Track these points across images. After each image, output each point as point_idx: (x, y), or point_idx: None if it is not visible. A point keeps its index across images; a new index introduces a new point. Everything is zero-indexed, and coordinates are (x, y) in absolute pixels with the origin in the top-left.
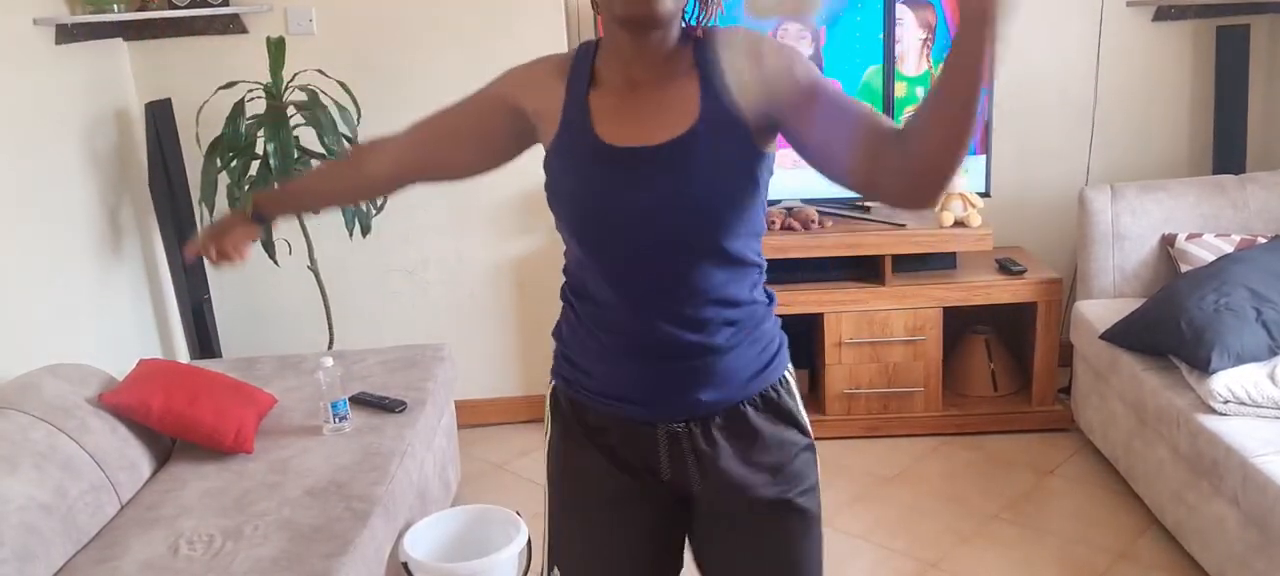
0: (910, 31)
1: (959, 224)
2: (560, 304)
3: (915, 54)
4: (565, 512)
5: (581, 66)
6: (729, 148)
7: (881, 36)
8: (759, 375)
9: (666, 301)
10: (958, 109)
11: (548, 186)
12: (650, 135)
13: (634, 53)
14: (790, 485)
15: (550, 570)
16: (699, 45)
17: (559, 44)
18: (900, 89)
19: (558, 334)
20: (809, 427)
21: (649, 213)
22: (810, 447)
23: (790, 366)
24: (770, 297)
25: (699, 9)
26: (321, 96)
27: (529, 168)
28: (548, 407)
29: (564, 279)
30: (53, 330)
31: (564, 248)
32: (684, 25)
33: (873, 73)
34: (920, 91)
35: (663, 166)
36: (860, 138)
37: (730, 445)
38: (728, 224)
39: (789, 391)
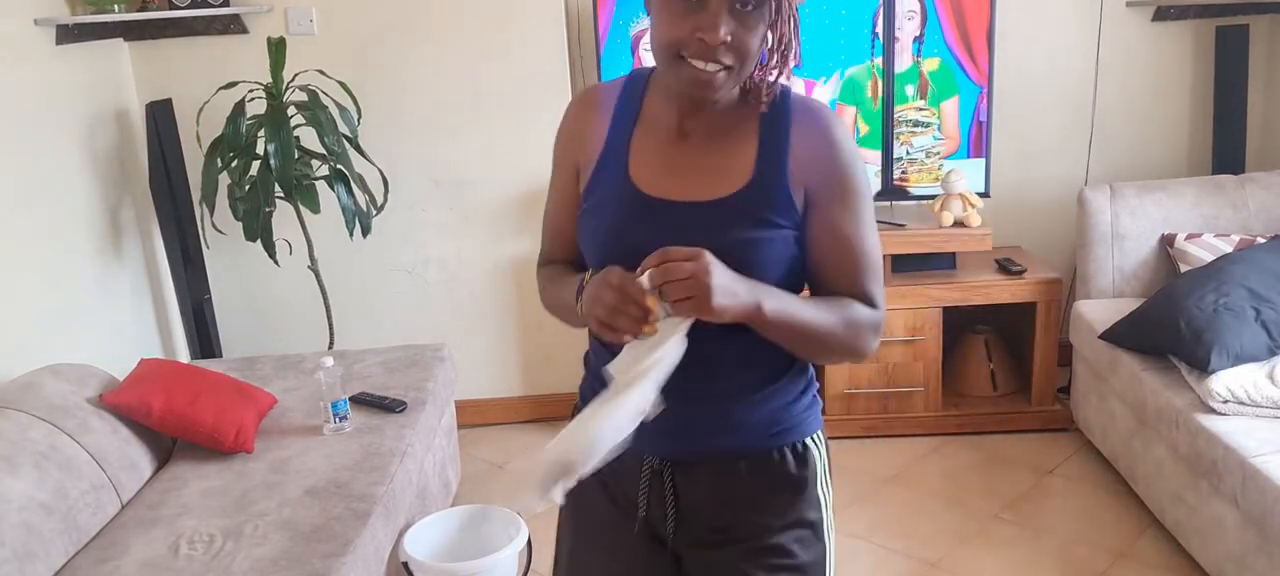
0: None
1: (958, 224)
2: None
3: (902, 50)
4: (564, 529)
5: (630, 100)
6: (774, 216)
7: (870, 32)
8: (765, 433)
9: None
10: (800, 348)
11: (579, 218)
12: (691, 190)
13: (692, 107)
14: (772, 561)
15: None
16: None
17: (558, 46)
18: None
19: (586, 354)
20: (820, 506)
21: None
22: (813, 529)
23: (817, 436)
24: (793, 358)
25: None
26: (322, 96)
27: (529, 166)
28: None
29: None
30: (53, 330)
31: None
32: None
33: (856, 72)
34: (910, 89)
35: (700, 226)
36: (833, 288)
37: (714, 498)
38: None
39: (801, 459)
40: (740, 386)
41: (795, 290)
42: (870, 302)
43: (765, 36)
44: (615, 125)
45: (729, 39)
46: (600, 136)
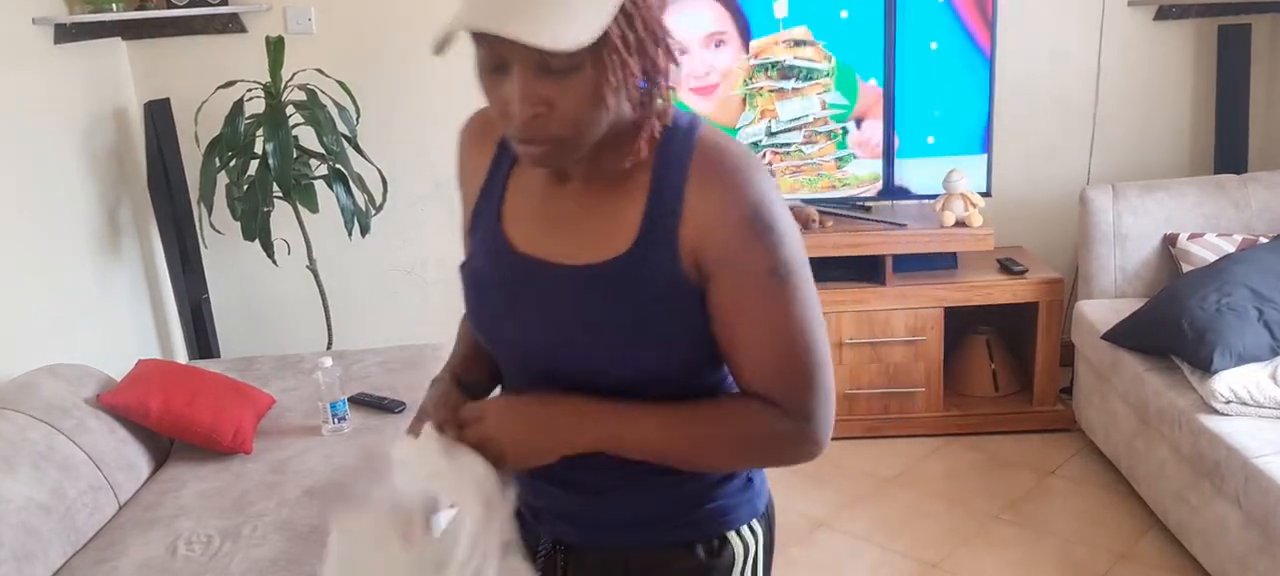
0: None
1: (960, 224)
2: None
3: None
4: None
5: None
6: (657, 293)
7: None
8: (669, 524)
9: None
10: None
11: (459, 269)
12: (566, 251)
13: None
14: None
15: None
16: (667, 144)
17: None
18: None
19: None
20: None
21: (552, 344)
22: None
23: (747, 528)
24: None
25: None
26: (320, 96)
27: None
28: None
29: None
30: (51, 330)
31: None
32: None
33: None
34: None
35: (571, 296)
36: (750, 388)
37: None
38: (649, 374)
39: (715, 555)
40: (642, 465)
41: (691, 380)
42: (797, 411)
43: (612, 81)
44: (497, 161)
45: (543, 110)
46: (484, 169)
